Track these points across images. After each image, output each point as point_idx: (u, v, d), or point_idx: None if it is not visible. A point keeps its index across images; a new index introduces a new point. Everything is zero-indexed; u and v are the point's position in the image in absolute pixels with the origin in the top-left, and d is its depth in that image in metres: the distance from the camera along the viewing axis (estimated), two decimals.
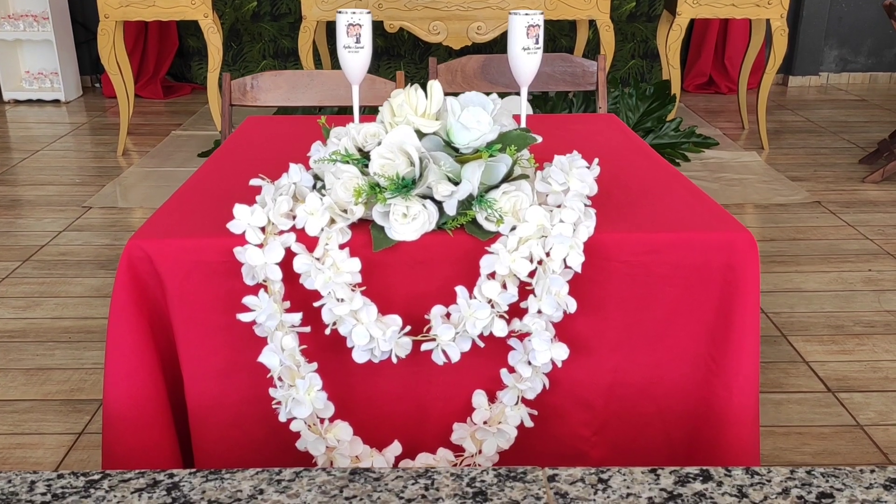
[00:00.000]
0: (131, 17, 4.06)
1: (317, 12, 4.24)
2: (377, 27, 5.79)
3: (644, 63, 6.05)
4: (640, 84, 4.81)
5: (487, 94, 1.25)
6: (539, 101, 4.74)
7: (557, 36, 5.93)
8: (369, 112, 1.74)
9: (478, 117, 1.13)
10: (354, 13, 1.41)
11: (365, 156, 1.20)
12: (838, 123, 5.00)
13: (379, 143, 1.17)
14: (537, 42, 1.42)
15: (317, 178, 1.26)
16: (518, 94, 1.57)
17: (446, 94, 1.24)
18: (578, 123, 1.87)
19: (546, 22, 4.87)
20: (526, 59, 1.43)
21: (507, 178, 1.18)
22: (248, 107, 2.19)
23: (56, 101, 5.41)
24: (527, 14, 1.40)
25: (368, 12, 1.43)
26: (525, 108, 1.49)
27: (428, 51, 5.90)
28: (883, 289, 2.77)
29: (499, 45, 5.87)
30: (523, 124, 1.49)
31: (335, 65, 5.91)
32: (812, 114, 5.27)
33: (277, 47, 5.91)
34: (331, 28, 5.73)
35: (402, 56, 5.97)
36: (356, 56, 1.42)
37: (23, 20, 5.30)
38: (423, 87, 1.25)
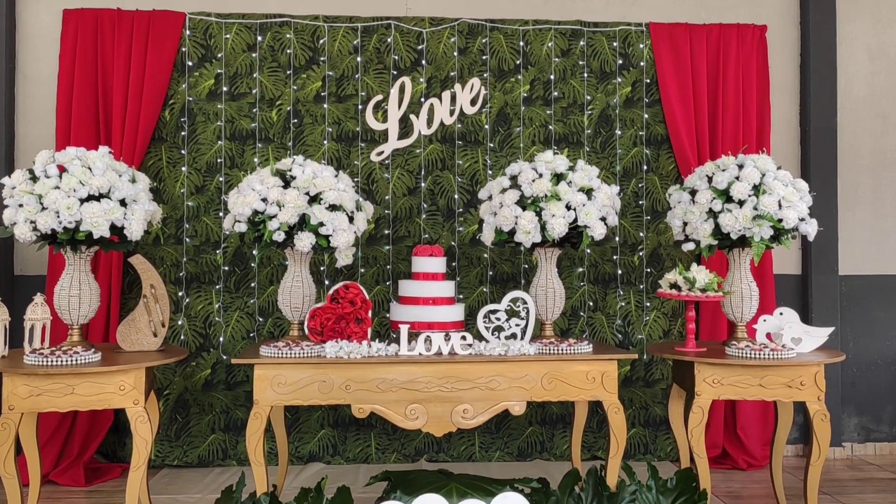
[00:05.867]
0: (43, 407, 3.32)
1: (272, 396, 3.55)
2: (345, 408, 5.01)
3: (646, 433, 5.35)
4: (656, 472, 4.05)
5: None
6: (539, 493, 3.92)
7: (552, 410, 5.29)
8: None
9: None
10: None
11: None
12: None
13: None
14: None
15: None
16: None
17: None
18: None
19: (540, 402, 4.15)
20: None
21: None
22: None
23: None
24: None
25: None
26: None
27: None
28: None
29: (484, 423, 5.18)
30: None
31: (293, 459, 5.10)
32: (854, 500, 4.48)
33: (230, 419, 5.16)
34: (290, 410, 5.02)
35: (372, 426, 5.23)
36: None
37: None
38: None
